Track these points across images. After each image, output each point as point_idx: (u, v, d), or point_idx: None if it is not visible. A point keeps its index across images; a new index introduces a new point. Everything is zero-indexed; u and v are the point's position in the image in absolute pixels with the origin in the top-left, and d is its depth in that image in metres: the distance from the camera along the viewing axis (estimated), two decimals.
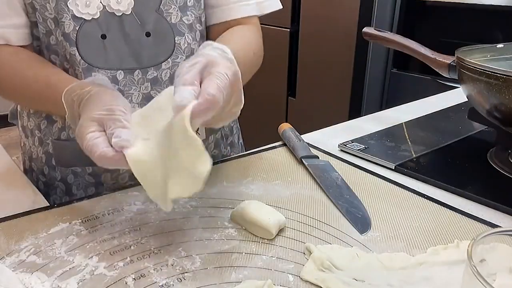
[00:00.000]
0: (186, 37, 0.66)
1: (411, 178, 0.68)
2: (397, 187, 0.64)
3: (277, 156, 0.74)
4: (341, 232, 0.53)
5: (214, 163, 0.70)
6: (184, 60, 0.66)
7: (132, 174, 0.62)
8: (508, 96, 0.62)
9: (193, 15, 0.67)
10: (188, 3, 0.66)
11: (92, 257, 0.48)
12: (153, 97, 0.63)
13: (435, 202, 0.60)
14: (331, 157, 0.73)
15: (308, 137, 0.82)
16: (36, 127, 0.71)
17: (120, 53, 0.63)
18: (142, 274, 0.45)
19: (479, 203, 0.60)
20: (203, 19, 0.70)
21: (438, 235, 0.52)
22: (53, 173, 0.71)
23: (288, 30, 2.31)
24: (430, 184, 0.66)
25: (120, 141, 0.45)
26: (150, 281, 0.44)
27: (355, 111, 2.07)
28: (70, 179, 0.71)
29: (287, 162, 0.72)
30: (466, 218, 0.56)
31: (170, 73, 0.66)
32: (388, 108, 1.04)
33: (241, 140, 0.90)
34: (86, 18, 0.59)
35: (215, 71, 0.44)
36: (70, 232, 0.52)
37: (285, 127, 0.79)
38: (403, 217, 0.56)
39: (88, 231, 0.52)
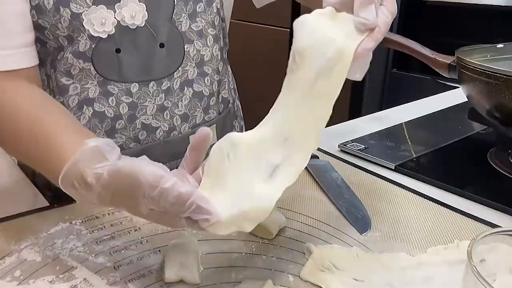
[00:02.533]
0: (195, 44, 0.66)
1: (411, 178, 0.68)
2: (397, 187, 0.64)
3: None
4: (341, 232, 0.53)
5: None
6: (194, 67, 0.66)
7: None
8: (508, 96, 0.62)
9: (203, 21, 0.66)
10: (197, 9, 0.65)
11: (92, 257, 0.48)
12: (166, 108, 0.65)
13: (435, 202, 0.60)
14: (331, 157, 0.73)
15: None
16: None
17: (134, 65, 0.62)
18: (142, 274, 0.45)
19: (479, 203, 0.60)
20: (217, 22, 0.68)
21: (438, 235, 0.52)
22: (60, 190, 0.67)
23: (288, 30, 2.31)
24: (430, 184, 0.65)
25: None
26: (150, 281, 0.44)
27: (355, 111, 2.07)
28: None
29: None
30: (466, 218, 0.56)
31: (180, 81, 0.65)
32: (388, 108, 1.04)
33: None
34: (103, 36, 0.58)
35: None
36: (70, 232, 0.52)
37: None
38: (403, 217, 0.56)
39: (88, 231, 0.52)
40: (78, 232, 0.52)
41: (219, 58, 0.70)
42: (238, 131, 0.80)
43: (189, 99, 0.67)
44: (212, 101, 0.70)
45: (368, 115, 0.98)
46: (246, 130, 0.86)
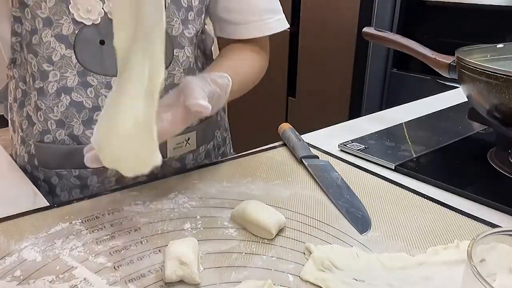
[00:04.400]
0: (186, 50, 0.66)
1: (411, 178, 0.68)
2: (397, 187, 0.64)
3: (277, 156, 0.74)
4: (341, 232, 0.53)
5: (214, 163, 0.70)
6: (181, 72, 0.67)
7: (119, 178, 0.63)
8: (508, 96, 0.62)
9: (194, 29, 0.67)
10: (189, 17, 0.65)
11: (92, 257, 0.48)
12: None
13: (435, 202, 0.60)
14: (331, 157, 0.73)
15: (308, 137, 0.82)
16: (19, 125, 0.69)
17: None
18: (142, 274, 0.45)
19: (479, 203, 0.60)
20: (199, 33, 0.70)
21: (438, 235, 0.52)
22: (36, 172, 0.69)
23: (288, 30, 2.31)
24: (430, 184, 0.65)
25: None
26: (150, 281, 0.44)
27: (355, 111, 2.07)
28: (54, 180, 0.69)
29: (287, 162, 0.72)
30: (466, 218, 0.56)
31: (165, 84, 0.63)
32: (388, 108, 1.04)
33: (232, 150, 0.89)
34: (86, 23, 0.59)
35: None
36: (70, 232, 0.52)
37: (285, 127, 0.79)
38: (403, 217, 0.56)
39: (88, 231, 0.52)
40: (78, 232, 0.52)
41: (205, 65, 0.73)
42: (219, 142, 0.81)
43: None
44: None
45: (368, 115, 0.98)
46: (231, 138, 0.87)
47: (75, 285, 0.43)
